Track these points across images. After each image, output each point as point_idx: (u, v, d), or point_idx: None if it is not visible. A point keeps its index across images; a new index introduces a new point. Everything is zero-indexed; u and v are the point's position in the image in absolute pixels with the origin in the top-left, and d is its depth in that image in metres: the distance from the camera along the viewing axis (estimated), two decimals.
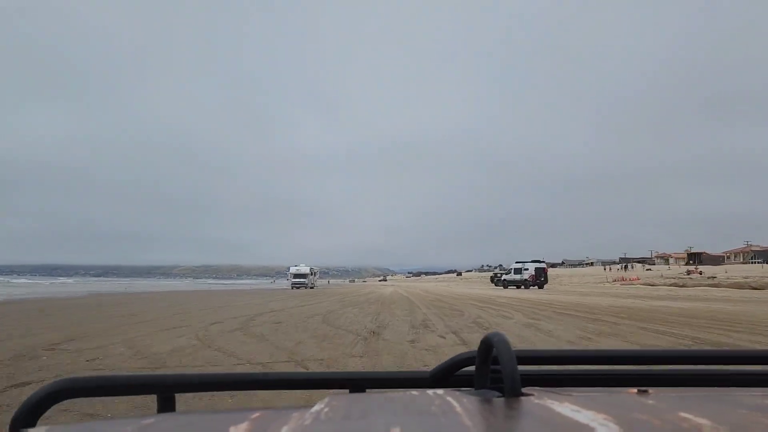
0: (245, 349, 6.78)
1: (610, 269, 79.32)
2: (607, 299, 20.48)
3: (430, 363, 5.58)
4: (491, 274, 66.33)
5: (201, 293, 32.23)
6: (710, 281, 39.32)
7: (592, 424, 0.42)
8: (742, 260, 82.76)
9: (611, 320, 10.82)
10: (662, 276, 49.74)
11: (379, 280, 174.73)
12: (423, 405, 0.48)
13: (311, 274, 50.73)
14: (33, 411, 0.55)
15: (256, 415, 0.47)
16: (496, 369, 0.56)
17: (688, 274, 50.11)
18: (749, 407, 0.44)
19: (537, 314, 12.47)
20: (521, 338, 7.84)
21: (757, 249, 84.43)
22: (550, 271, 49.07)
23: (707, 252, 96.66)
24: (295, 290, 40.61)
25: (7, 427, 0.55)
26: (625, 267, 76.99)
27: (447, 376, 0.64)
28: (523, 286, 39.85)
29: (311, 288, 48.13)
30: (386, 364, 5.77)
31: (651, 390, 0.57)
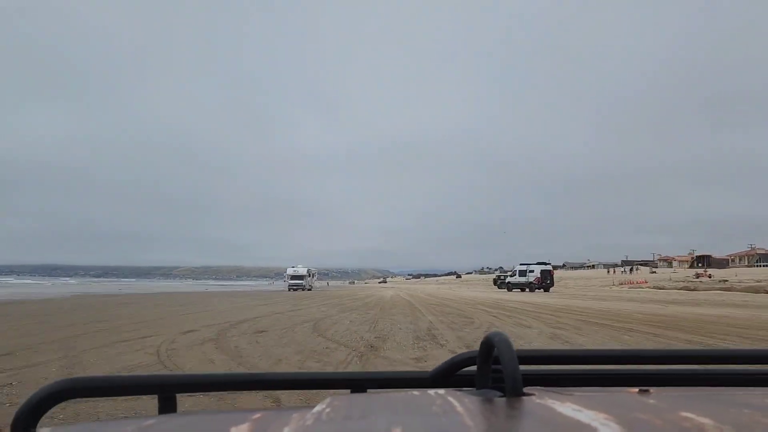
0: (206, 370, 5.34)
1: (614, 272, 77.82)
2: (626, 304, 19.02)
3: None
4: (494, 276, 64.80)
5: (194, 295, 30.79)
6: (722, 285, 37.95)
7: (594, 424, 0.42)
8: (747, 263, 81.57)
9: (649, 331, 9.37)
10: (670, 279, 48.30)
11: (379, 282, 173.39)
12: (424, 405, 0.48)
13: (309, 275, 49.07)
14: (34, 412, 0.55)
15: (257, 415, 0.47)
16: (497, 369, 0.56)
17: (697, 278, 48.71)
18: (751, 407, 0.44)
19: (559, 323, 11.03)
20: None
21: (762, 252, 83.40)
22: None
23: (711, 255, 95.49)
24: (291, 292, 39.15)
25: (8, 427, 0.54)
26: (631, 269, 75.42)
27: (448, 376, 0.64)
28: (528, 289, 38.32)
29: (309, 290, 46.57)
30: None
31: (652, 390, 0.57)
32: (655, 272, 69.68)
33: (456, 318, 12.16)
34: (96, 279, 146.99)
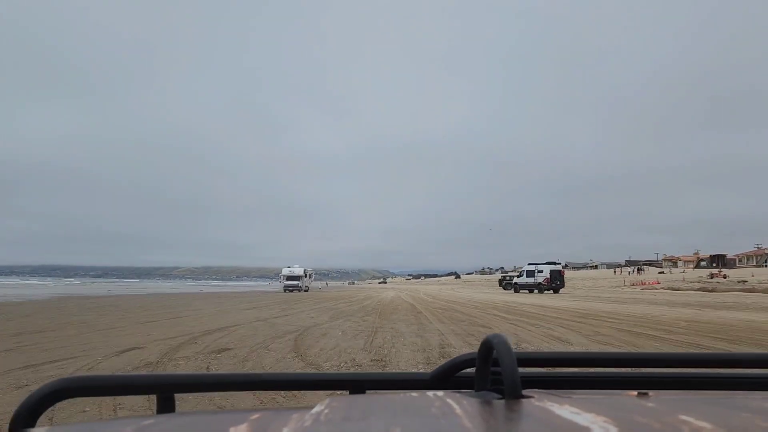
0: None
1: (621, 272, 75.70)
2: (654, 308, 16.93)
3: None
4: (499, 276, 62.62)
5: (183, 297, 28.84)
6: (742, 286, 35.91)
7: (592, 427, 0.42)
8: (755, 263, 79.80)
9: (703, 342, 7.37)
10: (683, 280, 46.21)
11: (379, 283, 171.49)
12: (423, 406, 0.48)
13: (305, 276, 46.78)
14: (33, 410, 0.55)
15: (256, 415, 0.47)
16: (497, 371, 0.55)
17: (711, 278, 46.65)
18: (750, 411, 0.43)
19: (598, 333, 8.99)
20: None
21: None
22: None
23: (710, 255, 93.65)
24: (286, 294, 37.05)
25: (7, 427, 0.54)
26: (639, 270, 73.21)
27: (447, 378, 0.64)
28: (537, 290, 36.22)
29: (305, 291, 44.43)
30: None
31: (651, 393, 0.57)
32: (663, 272, 67.59)
33: (469, 327, 10.10)
34: (95, 279, 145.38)
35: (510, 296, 30.51)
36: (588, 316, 13.40)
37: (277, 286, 47.21)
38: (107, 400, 3.82)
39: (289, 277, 45.32)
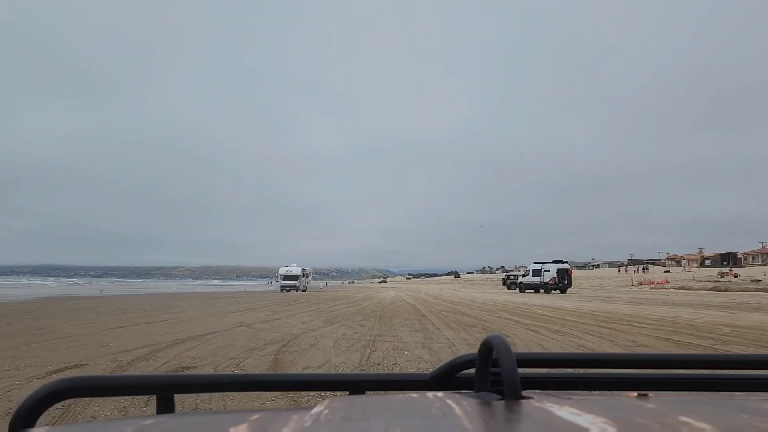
0: None
1: (626, 271, 74.29)
2: (676, 310, 15.53)
3: None
4: (504, 276, 61.18)
5: (174, 297, 27.61)
6: (756, 285, 34.54)
7: (592, 428, 0.42)
8: (761, 262, 78.55)
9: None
10: (693, 279, 44.82)
11: (379, 282, 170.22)
12: (423, 407, 0.48)
13: (303, 275, 45.30)
14: (32, 411, 0.55)
15: (255, 416, 0.47)
16: (496, 372, 0.56)
17: (722, 277, 45.29)
18: (749, 412, 0.43)
19: (635, 342, 7.62)
20: None
21: None
22: None
23: (720, 253, 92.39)
24: (283, 294, 35.65)
25: (6, 427, 0.54)
26: (644, 269, 71.76)
27: (447, 379, 0.64)
28: (543, 290, 34.81)
29: (303, 291, 43.06)
30: None
31: (651, 394, 0.57)
32: (669, 271, 66.17)
33: (483, 335, 8.71)
34: (95, 279, 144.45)
35: (516, 296, 29.13)
36: (611, 320, 12.02)
37: (276, 285, 45.71)
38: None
39: (286, 277, 43.89)
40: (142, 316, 13.42)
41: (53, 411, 3.50)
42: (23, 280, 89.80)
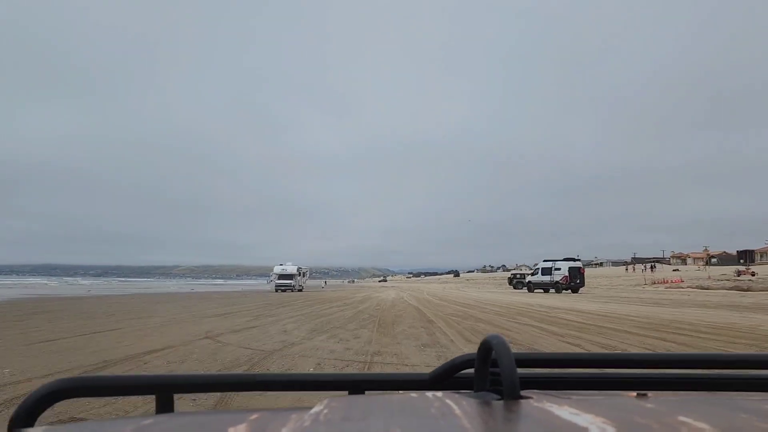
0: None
1: (633, 270, 72.21)
2: (718, 313, 13.43)
3: None
4: (509, 274, 59.01)
5: (164, 296, 25.81)
6: None
7: (591, 428, 0.42)
8: None
9: None
10: (709, 278, 42.75)
11: (379, 281, 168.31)
12: (422, 407, 0.48)
13: (299, 274, 43.09)
14: (31, 410, 0.55)
15: (254, 416, 0.47)
16: (495, 371, 0.56)
17: (738, 275, 43.23)
18: (749, 412, 0.44)
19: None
20: None
21: None
22: None
23: (726, 252, 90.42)
24: (276, 294, 33.59)
25: (6, 426, 0.54)
26: (652, 267, 69.64)
27: (446, 378, 0.64)
28: (553, 290, 32.77)
29: (299, 290, 40.97)
30: None
31: (650, 394, 0.57)
32: (678, 270, 64.15)
33: (514, 350, 6.72)
34: (95, 278, 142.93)
35: (526, 297, 27.10)
36: (656, 326, 9.98)
37: (273, 285, 43.66)
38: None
39: (281, 276, 41.67)
40: (101, 323, 11.39)
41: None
42: (14, 280, 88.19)
